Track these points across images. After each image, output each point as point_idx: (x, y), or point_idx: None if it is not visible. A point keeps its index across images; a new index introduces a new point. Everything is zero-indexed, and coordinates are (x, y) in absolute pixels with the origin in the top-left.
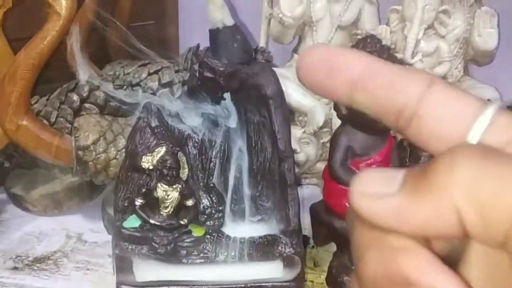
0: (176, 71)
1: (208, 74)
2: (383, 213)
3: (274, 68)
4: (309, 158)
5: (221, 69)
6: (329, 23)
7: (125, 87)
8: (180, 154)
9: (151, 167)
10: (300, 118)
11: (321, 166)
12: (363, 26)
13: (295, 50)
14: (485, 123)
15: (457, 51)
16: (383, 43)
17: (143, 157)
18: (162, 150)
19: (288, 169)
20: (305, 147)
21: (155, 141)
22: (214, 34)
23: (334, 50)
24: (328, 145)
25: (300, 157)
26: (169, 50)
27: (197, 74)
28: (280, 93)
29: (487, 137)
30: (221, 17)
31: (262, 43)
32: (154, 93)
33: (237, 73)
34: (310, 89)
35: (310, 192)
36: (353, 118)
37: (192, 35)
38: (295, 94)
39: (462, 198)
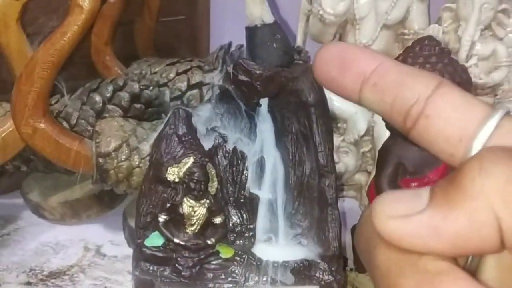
0: (206, 71)
1: (243, 78)
2: (414, 233)
3: None
4: (348, 169)
5: (258, 72)
6: (374, 21)
7: (151, 87)
8: (209, 165)
9: (177, 180)
10: (339, 125)
11: (360, 177)
12: (411, 25)
13: None
14: (492, 126)
15: None
16: (443, 45)
17: (169, 168)
18: (189, 161)
19: (329, 186)
20: (343, 157)
21: (182, 151)
22: (252, 32)
23: (348, 47)
24: (368, 154)
25: (338, 167)
26: (199, 47)
27: (231, 77)
28: (323, 100)
29: (493, 141)
30: (260, 14)
31: (299, 42)
32: (182, 95)
33: (276, 77)
34: (323, 85)
35: (349, 205)
36: None
37: (224, 32)
38: (335, 100)
39: (500, 204)
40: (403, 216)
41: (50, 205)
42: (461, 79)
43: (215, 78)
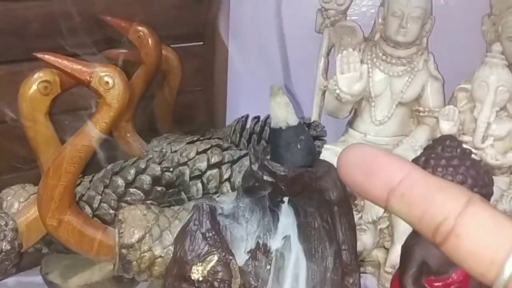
0: (225, 149)
1: (268, 178)
2: None
3: (328, 146)
4: (366, 247)
5: (282, 174)
6: (389, 99)
7: (172, 169)
8: (233, 262)
9: (201, 279)
10: (357, 201)
11: (377, 253)
12: (426, 103)
13: (350, 124)
14: None
15: None
16: (464, 146)
17: (193, 267)
18: (214, 259)
19: (353, 284)
20: (361, 235)
21: (206, 248)
22: (277, 134)
23: (373, 152)
24: (385, 231)
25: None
26: (215, 118)
27: (255, 175)
28: (346, 198)
29: None
30: (285, 117)
31: (315, 116)
32: (202, 174)
33: (300, 177)
34: (349, 187)
35: (366, 282)
36: None
37: (240, 103)
38: None
39: None
40: None
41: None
42: (483, 182)
43: (234, 155)
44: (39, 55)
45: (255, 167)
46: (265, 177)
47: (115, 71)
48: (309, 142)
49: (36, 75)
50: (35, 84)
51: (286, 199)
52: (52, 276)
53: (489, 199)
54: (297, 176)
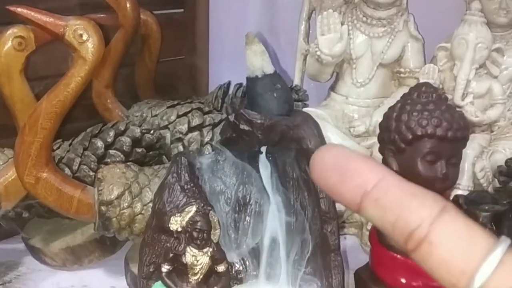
0: (206, 113)
1: (245, 127)
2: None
3: (310, 108)
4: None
5: (259, 121)
6: (370, 60)
7: (152, 131)
8: (211, 213)
9: (179, 229)
10: None
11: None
12: (407, 64)
13: (332, 88)
14: (495, 262)
15: (510, 92)
16: (440, 92)
17: (172, 217)
18: (192, 210)
19: (331, 231)
20: None
21: (184, 200)
22: (253, 82)
23: (348, 154)
24: None
25: (339, 206)
26: (198, 87)
27: (232, 125)
28: None
29: (496, 276)
30: (261, 65)
31: (296, 81)
32: (183, 137)
33: (277, 126)
34: (322, 188)
35: (350, 243)
36: (406, 176)
37: (223, 70)
38: (333, 138)
39: None
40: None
41: (52, 251)
42: (458, 125)
43: (215, 118)
44: (12, 8)
45: (231, 117)
46: (241, 126)
47: (89, 24)
48: (285, 91)
49: (10, 31)
50: (9, 40)
51: (264, 150)
52: (34, 241)
53: (464, 143)
54: (274, 124)
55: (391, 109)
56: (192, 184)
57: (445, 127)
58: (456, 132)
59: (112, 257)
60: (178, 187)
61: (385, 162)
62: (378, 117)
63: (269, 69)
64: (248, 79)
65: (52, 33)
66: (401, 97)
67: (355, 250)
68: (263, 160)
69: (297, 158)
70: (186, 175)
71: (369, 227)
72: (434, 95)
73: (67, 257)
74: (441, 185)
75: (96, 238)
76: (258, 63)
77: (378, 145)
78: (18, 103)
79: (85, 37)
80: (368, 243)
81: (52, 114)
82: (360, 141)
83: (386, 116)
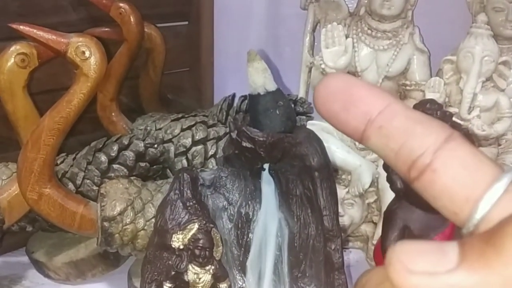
0: (210, 126)
1: (247, 144)
2: None
3: (315, 121)
4: (354, 221)
5: (261, 139)
6: (375, 73)
7: (156, 145)
8: (214, 231)
9: (181, 247)
10: (343, 176)
11: (365, 228)
12: (413, 77)
13: None
14: (501, 190)
15: None
16: (444, 108)
17: (174, 235)
18: (194, 227)
19: (335, 249)
20: (349, 209)
21: (187, 217)
22: (255, 100)
23: (354, 81)
24: (373, 205)
25: (344, 220)
26: (203, 99)
27: (235, 143)
28: (327, 164)
29: (500, 205)
30: (263, 82)
31: (301, 93)
32: (186, 151)
33: (279, 143)
34: (324, 118)
35: (355, 257)
36: (410, 193)
37: (228, 83)
38: (339, 152)
39: None
40: (429, 273)
41: (55, 265)
42: None
43: (220, 132)
44: (14, 26)
45: (234, 134)
46: (244, 143)
47: (92, 41)
48: (288, 108)
49: (12, 48)
50: (12, 57)
51: (266, 166)
52: (38, 255)
53: None
54: (276, 141)
55: None
56: (194, 201)
57: None
58: None
59: (115, 271)
60: (180, 204)
61: (389, 179)
62: None
63: (271, 86)
64: (250, 96)
65: (54, 51)
66: None
67: (360, 264)
68: (266, 176)
69: (300, 175)
70: (188, 191)
71: (374, 242)
72: (438, 112)
73: (70, 271)
74: None
75: (100, 252)
76: (260, 80)
77: None
78: (21, 120)
79: (87, 54)
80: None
81: (54, 131)
82: (365, 155)
83: None
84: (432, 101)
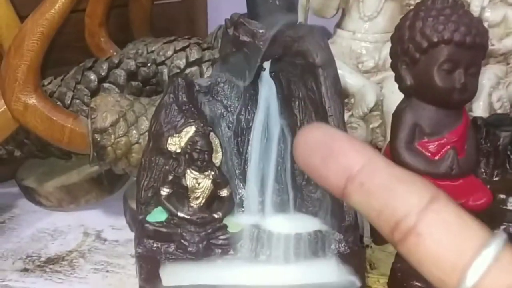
0: (205, 49)
1: (246, 38)
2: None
3: None
4: None
5: (261, 31)
6: None
7: (148, 64)
8: (212, 135)
9: (178, 150)
10: (346, 100)
11: None
12: None
13: (338, 25)
14: (490, 258)
15: None
16: None
17: (169, 138)
18: (191, 130)
19: None
20: (353, 133)
21: (183, 120)
22: None
23: (334, 133)
24: (378, 130)
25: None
26: (197, 30)
27: (232, 39)
28: (331, 61)
29: (489, 276)
30: None
31: (301, 18)
32: (181, 72)
33: (280, 36)
34: (304, 170)
35: None
36: (421, 89)
37: (222, 13)
38: (341, 73)
39: None
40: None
41: (46, 191)
42: (477, 30)
43: (215, 54)
44: None
45: (231, 30)
46: (242, 38)
47: None
48: None
49: None
50: None
51: (267, 66)
52: (28, 182)
53: (483, 52)
54: (277, 34)
55: (403, 18)
56: (190, 105)
57: (463, 31)
58: (475, 37)
59: (110, 198)
60: (176, 108)
61: (398, 77)
62: (388, 50)
63: None
64: None
65: None
66: (415, 6)
67: None
68: (266, 79)
69: (302, 75)
70: (184, 95)
71: None
72: (449, 1)
73: (62, 196)
74: (459, 97)
75: (93, 177)
76: None
77: (388, 79)
78: (3, 27)
79: None
80: None
81: (38, 34)
82: (369, 77)
83: (398, 26)
84: None
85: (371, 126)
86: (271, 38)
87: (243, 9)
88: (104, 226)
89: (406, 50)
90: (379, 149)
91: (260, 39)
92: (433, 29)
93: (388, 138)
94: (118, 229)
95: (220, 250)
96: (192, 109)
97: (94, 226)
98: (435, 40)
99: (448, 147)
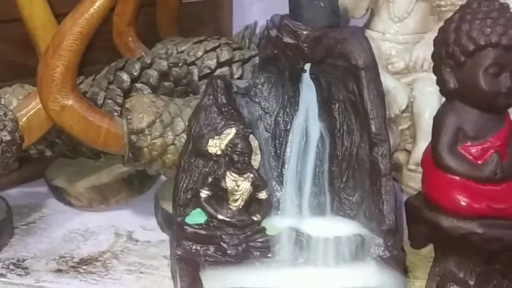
0: (235, 49)
1: (289, 40)
2: None
3: None
4: None
5: (305, 33)
6: None
7: (180, 64)
8: (251, 137)
9: (218, 152)
10: None
11: (398, 156)
12: None
13: (367, 25)
14: None
15: None
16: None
17: (210, 140)
18: (231, 132)
19: (382, 155)
20: None
21: (223, 122)
22: None
23: None
24: (407, 132)
25: None
26: (221, 29)
27: (274, 40)
28: (373, 64)
29: None
30: None
31: None
32: (211, 73)
33: (324, 38)
34: None
35: None
36: (466, 93)
37: (246, 12)
38: None
39: None
40: None
41: (77, 191)
42: None
43: (245, 54)
44: None
45: (273, 32)
46: (285, 39)
47: None
48: (333, 0)
49: None
50: None
51: (308, 68)
52: (58, 181)
53: None
54: (320, 35)
55: (448, 21)
56: (230, 107)
57: (511, 35)
58: None
59: (140, 198)
60: (215, 109)
61: (441, 80)
62: (419, 52)
63: None
64: None
65: None
66: (460, 8)
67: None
68: (306, 80)
69: (343, 77)
70: (223, 97)
71: (410, 167)
72: (496, 4)
73: (93, 196)
74: (504, 100)
75: (124, 177)
76: None
77: (418, 81)
78: (40, 27)
79: None
80: (409, 184)
81: (77, 35)
82: (399, 78)
83: (443, 29)
84: None
85: (400, 128)
86: (315, 39)
87: (266, 9)
88: (135, 227)
89: (451, 53)
90: (408, 152)
91: (304, 41)
92: (480, 32)
93: (418, 140)
94: (149, 229)
95: (258, 253)
96: (232, 111)
97: (125, 226)
98: (482, 43)
99: (492, 151)
